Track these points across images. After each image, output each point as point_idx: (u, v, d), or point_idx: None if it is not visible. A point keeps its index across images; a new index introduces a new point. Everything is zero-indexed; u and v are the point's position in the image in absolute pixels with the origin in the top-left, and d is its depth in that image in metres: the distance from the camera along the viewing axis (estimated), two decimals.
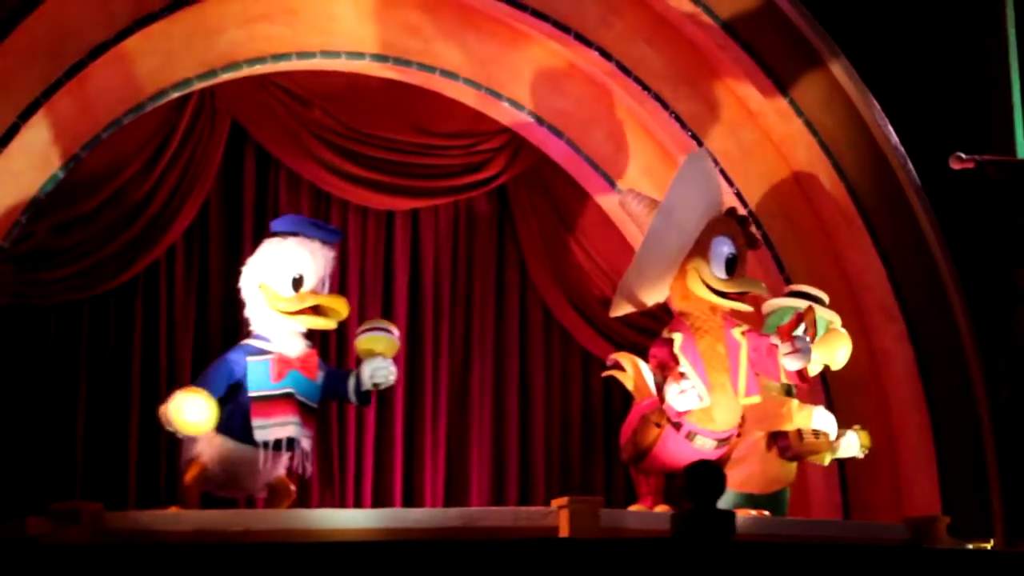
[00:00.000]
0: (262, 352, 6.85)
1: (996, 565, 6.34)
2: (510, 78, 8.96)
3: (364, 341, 6.91)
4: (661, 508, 7.00)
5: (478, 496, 9.01)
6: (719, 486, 5.38)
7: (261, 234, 8.19)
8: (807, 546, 5.86)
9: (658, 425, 7.16)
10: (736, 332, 7.32)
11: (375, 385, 6.95)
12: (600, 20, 8.66)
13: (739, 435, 7.33)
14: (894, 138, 8.95)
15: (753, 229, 7.47)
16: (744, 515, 7.01)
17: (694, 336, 7.20)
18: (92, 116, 7.74)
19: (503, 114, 9.09)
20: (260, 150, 8.73)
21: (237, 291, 7.28)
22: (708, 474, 5.38)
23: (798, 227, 9.16)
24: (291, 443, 6.74)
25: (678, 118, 8.89)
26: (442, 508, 6.35)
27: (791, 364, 7.20)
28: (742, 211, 8.27)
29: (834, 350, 7.74)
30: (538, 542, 5.46)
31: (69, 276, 7.95)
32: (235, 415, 6.71)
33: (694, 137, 8.90)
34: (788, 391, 7.73)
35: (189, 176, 8.33)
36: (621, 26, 8.70)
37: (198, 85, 8.10)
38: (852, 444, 7.74)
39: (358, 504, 8.66)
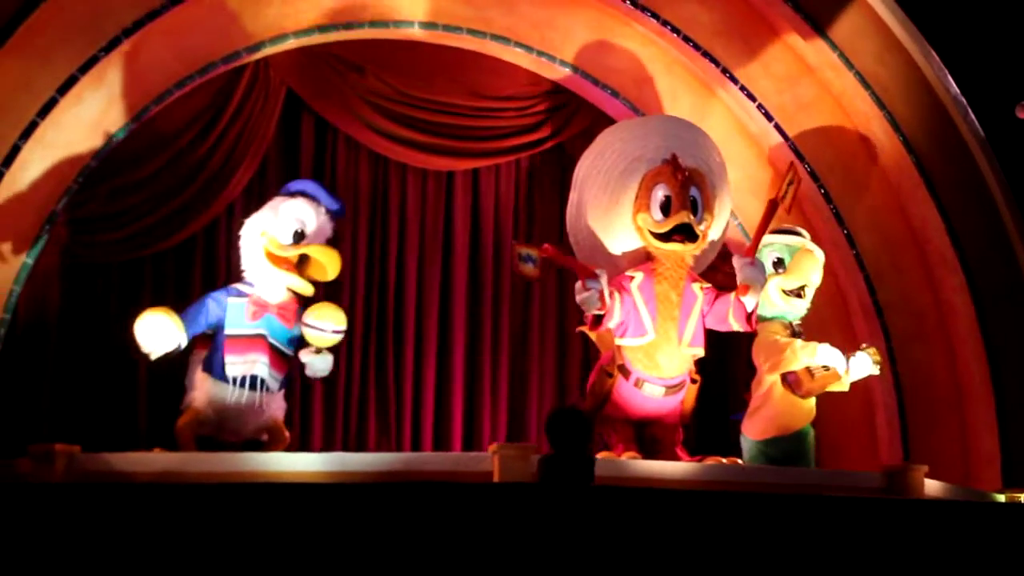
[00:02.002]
0: (242, 295, 7.13)
1: (960, 517, 6.33)
2: (564, 40, 8.94)
3: (306, 336, 7.18)
4: (628, 455, 7.05)
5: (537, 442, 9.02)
6: (582, 433, 5.46)
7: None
8: (661, 491, 5.88)
9: (610, 375, 7.31)
10: (696, 286, 7.39)
11: (313, 376, 7.33)
12: None
13: (695, 382, 7.43)
14: (954, 88, 8.68)
15: (682, 162, 7.29)
16: (714, 462, 7.06)
17: (653, 279, 7.28)
18: (142, 88, 7.94)
19: (558, 75, 9.08)
20: (317, 116, 8.83)
21: None
22: (570, 421, 5.46)
23: (859, 180, 9.02)
24: (258, 382, 7.00)
25: (730, 74, 8.84)
26: (385, 454, 6.49)
27: (748, 300, 7.20)
28: (796, 164, 8.16)
29: (806, 270, 7.77)
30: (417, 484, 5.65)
31: (126, 238, 8.17)
32: (217, 355, 7.03)
33: (744, 91, 8.85)
34: (794, 333, 7.70)
35: (242, 143, 8.48)
36: None
37: (246, 57, 8.26)
38: (864, 363, 7.61)
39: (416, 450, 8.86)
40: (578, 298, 7.03)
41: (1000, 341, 8.77)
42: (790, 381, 7.60)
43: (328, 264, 7.19)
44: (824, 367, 7.56)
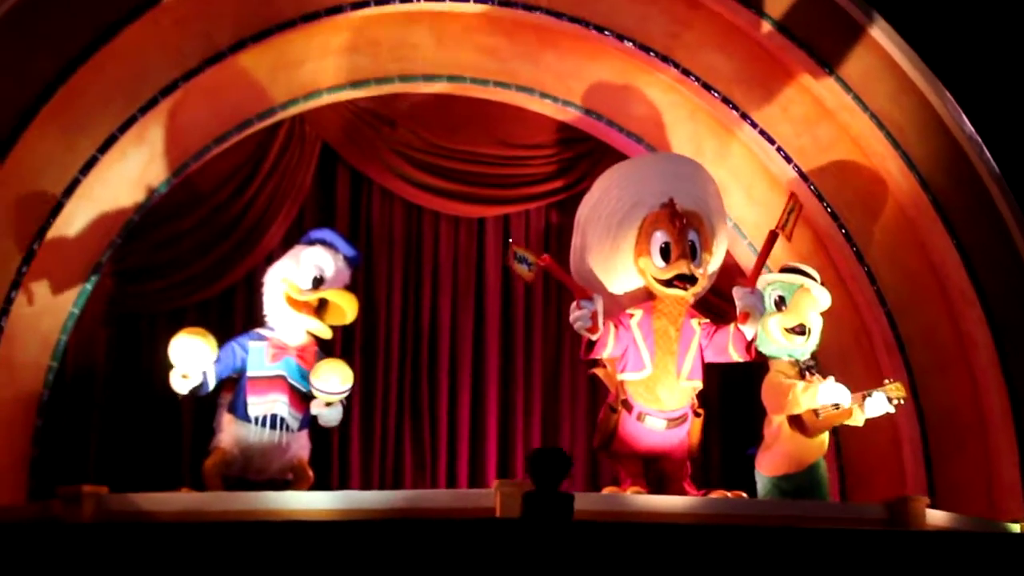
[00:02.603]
0: (263, 338, 7.45)
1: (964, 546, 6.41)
2: (588, 89, 9.24)
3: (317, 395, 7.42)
4: (633, 490, 7.23)
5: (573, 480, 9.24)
6: (561, 469, 5.63)
7: (355, 244, 8.84)
8: (643, 526, 6.08)
9: (614, 410, 7.56)
10: (694, 321, 7.62)
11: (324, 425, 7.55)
12: (667, 32, 8.83)
13: (698, 415, 7.65)
14: (969, 127, 8.80)
15: (679, 208, 7.53)
16: (719, 496, 7.25)
17: (652, 316, 7.52)
18: (182, 145, 8.32)
19: (582, 123, 9.36)
20: (352, 168, 9.17)
21: None
22: (550, 459, 5.66)
23: (879, 217, 9.15)
24: (279, 420, 7.29)
25: (750, 119, 9.07)
26: (392, 491, 6.75)
27: (747, 330, 7.41)
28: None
29: (803, 309, 7.94)
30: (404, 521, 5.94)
31: (169, 287, 8.52)
32: (240, 396, 7.34)
33: (764, 135, 9.06)
34: (802, 370, 7.87)
35: (280, 195, 8.84)
36: (689, 36, 8.84)
37: (281, 114, 8.62)
38: (879, 403, 7.76)
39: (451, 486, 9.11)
40: (572, 317, 7.28)
41: (1020, 372, 8.84)
42: (797, 425, 7.76)
43: (346, 307, 7.49)
44: (834, 405, 7.70)
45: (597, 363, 7.63)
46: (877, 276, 9.17)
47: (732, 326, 7.45)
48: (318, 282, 7.51)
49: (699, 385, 7.60)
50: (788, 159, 9.12)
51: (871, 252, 9.18)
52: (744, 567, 5.89)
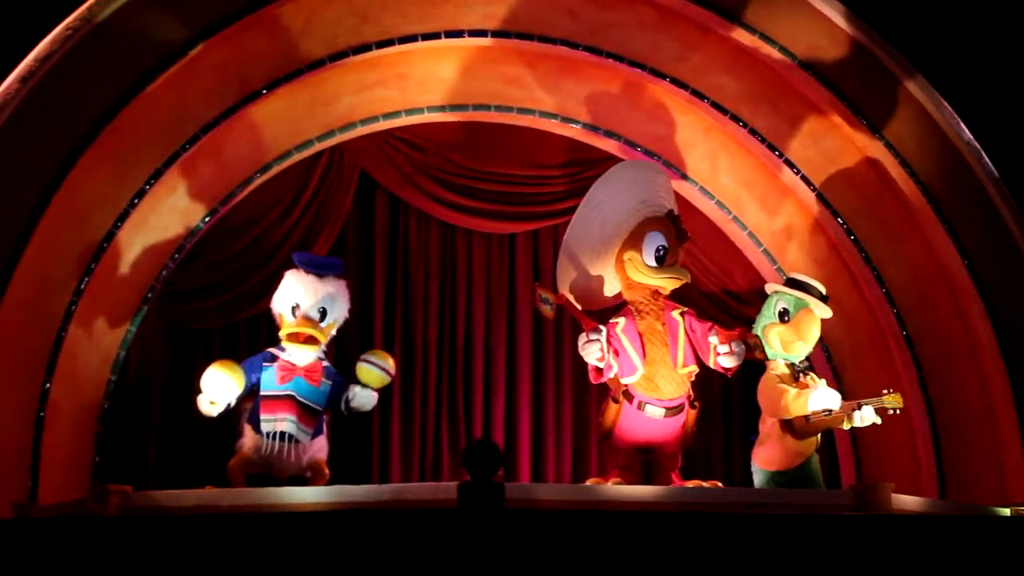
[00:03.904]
0: (274, 359, 7.97)
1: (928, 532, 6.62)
2: (607, 112, 9.67)
3: (360, 371, 7.91)
4: (613, 480, 7.71)
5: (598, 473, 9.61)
6: (493, 462, 5.99)
7: (394, 263, 9.58)
8: (577, 513, 6.38)
9: (615, 401, 7.99)
10: (675, 313, 8.11)
11: (356, 408, 7.98)
12: (676, 56, 9.25)
13: (694, 407, 8.11)
14: (966, 134, 9.10)
15: (680, 222, 8.12)
16: (695, 485, 7.65)
17: (635, 318, 7.98)
18: (227, 176, 8.97)
19: (603, 144, 9.81)
20: (388, 192, 9.78)
21: (371, 307, 9.26)
22: (484, 451, 6.03)
23: (886, 223, 9.45)
24: (287, 436, 7.81)
25: (757, 134, 9.44)
26: (380, 485, 7.25)
27: (724, 361, 7.89)
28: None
29: (803, 329, 8.21)
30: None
31: (220, 305, 9.15)
32: (255, 412, 7.88)
33: (772, 148, 9.44)
34: (796, 372, 8.20)
35: (321, 218, 9.43)
36: (697, 60, 9.26)
37: (318, 145, 9.22)
38: (867, 415, 7.99)
39: None
40: (581, 345, 7.82)
41: (1022, 363, 9.10)
42: (788, 429, 8.08)
43: (321, 336, 8.05)
44: (825, 411, 7.98)
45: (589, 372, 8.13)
46: (885, 277, 9.47)
47: (713, 347, 7.92)
48: (295, 309, 7.98)
49: (695, 369, 8.05)
50: (796, 170, 9.50)
51: (879, 255, 9.50)
52: (708, 554, 6.15)
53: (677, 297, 9.19)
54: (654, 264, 8.03)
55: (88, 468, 8.48)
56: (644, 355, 7.93)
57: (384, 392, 8.89)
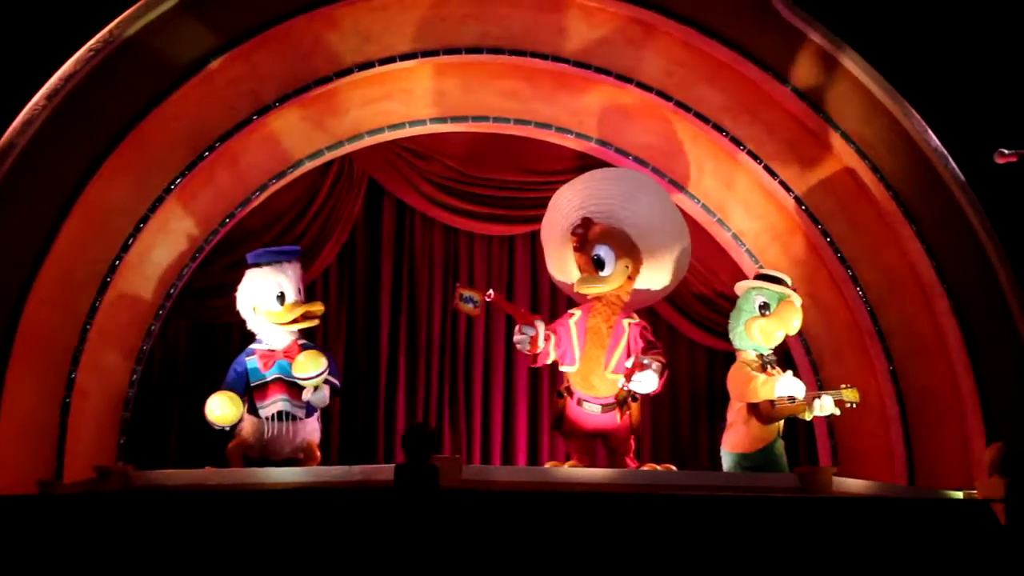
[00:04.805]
0: (253, 352, 8.61)
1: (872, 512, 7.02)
2: (599, 122, 10.13)
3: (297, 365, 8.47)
4: (570, 464, 8.28)
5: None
6: (427, 446, 6.49)
7: (400, 264, 10.14)
8: (509, 493, 6.83)
9: (560, 396, 8.53)
10: (626, 321, 8.53)
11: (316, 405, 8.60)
12: (662, 70, 9.71)
13: (636, 400, 8.51)
14: (934, 141, 9.55)
15: (591, 227, 8.62)
16: (649, 468, 8.16)
17: (588, 315, 8.50)
18: (244, 184, 9.57)
19: (596, 151, 10.27)
20: (395, 197, 10.38)
21: (378, 306, 9.87)
22: (419, 435, 6.52)
23: (858, 223, 9.89)
24: (284, 415, 8.44)
25: (737, 142, 9.88)
26: (352, 466, 7.79)
27: (634, 386, 8.31)
28: None
29: (787, 319, 8.67)
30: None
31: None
32: (252, 402, 8.50)
33: (752, 156, 9.89)
34: (764, 363, 8.66)
35: (332, 221, 10.03)
36: (682, 73, 9.71)
37: (328, 155, 9.78)
38: (826, 405, 8.44)
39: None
40: (514, 339, 8.42)
41: (987, 358, 9.55)
42: (754, 412, 8.55)
43: (317, 309, 8.67)
44: (790, 398, 8.45)
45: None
46: (859, 276, 9.92)
47: (634, 365, 8.38)
48: (281, 297, 8.59)
49: (620, 379, 8.44)
50: (775, 176, 9.96)
51: (853, 254, 9.95)
52: (655, 534, 6.55)
53: (671, 298, 9.86)
54: (578, 275, 8.65)
55: (114, 451, 9.11)
56: (583, 352, 8.45)
57: (390, 386, 9.75)
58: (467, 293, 8.57)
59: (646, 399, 8.78)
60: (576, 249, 8.59)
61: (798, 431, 10.45)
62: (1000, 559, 6.80)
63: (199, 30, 8.82)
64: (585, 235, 8.56)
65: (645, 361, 8.30)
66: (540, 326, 8.39)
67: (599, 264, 8.51)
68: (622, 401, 8.52)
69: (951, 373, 9.75)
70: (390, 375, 10.26)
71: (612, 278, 8.51)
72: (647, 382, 8.26)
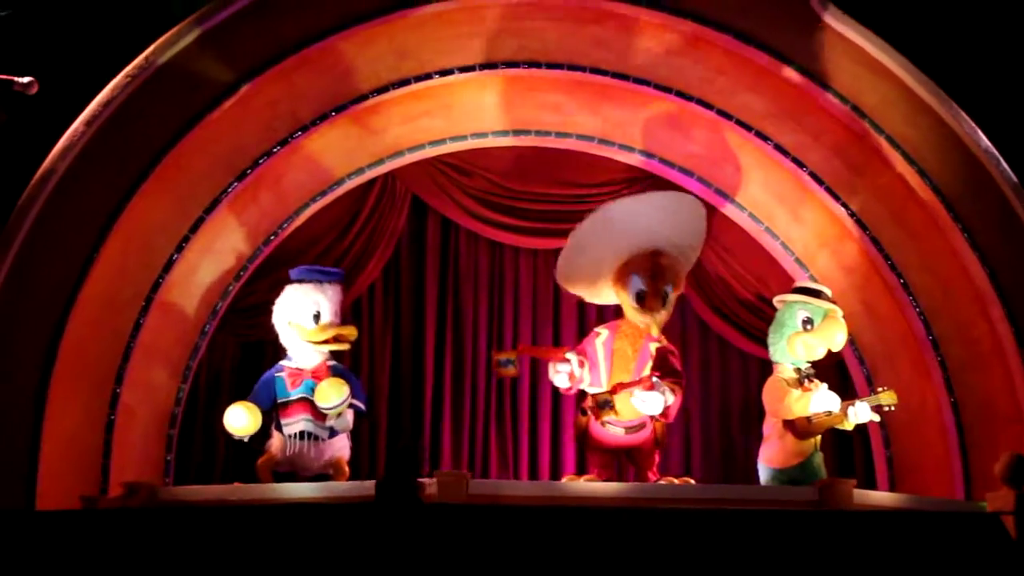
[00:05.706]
0: (282, 369, 8.56)
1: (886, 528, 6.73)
2: (643, 133, 10.06)
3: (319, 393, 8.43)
4: (587, 478, 8.19)
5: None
6: (410, 464, 6.45)
7: (445, 279, 10.11)
8: (487, 507, 6.77)
9: (584, 413, 8.40)
10: (652, 345, 8.38)
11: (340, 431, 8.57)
12: (702, 79, 9.58)
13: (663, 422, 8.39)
14: (984, 142, 9.32)
15: (663, 261, 8.42)
16: (667, 482, 8.01)
17: (615, 336, 8.35)
18: (286, 203, 9.66)
19: (640, 163, 10.19)
20: (440, 214, 10.35)
21: (423, 321, 9.82)
22: (400, 455, 6.51)
23: (911, 229, 9.66)
24: (307, 434, 8.38)
25: (782, 149, 9.73)
26: (360, 482, 7.74)
27: (635, 402, 8.10)
28: None
29: (831, 335, 8.48)
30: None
31: None
32: (277, 419, 8.47)
33: (797, 163, 9.75)
34: (802, 377, 8.49)
35: (375, 240, 10.04)
36: (722, 81, 9.58)
37: (369, 173, 9.84)
38: (862, 412, 8.29)
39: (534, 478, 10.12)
40: (551, 376, 8.31)
41: None
42: (790, 428, 8.42)
43: (350, 334, 8.63)
44: (826, 412, 8.31)
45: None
46: (911, 282, 9.69)
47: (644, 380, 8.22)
48: (316, 317, 8.56)
49: None
50: (821, 182, 9.78)
51: (904, 261, 9.71)
52: (670, 549, 6.34)
53: (714, 302, 9.72)
54: (635, 305, 8.42)
55: (161, 467, 9.21)
56: (609, 375, 8.35)
57: (436, 402, 9.69)
58: (503, 357, 8.47)
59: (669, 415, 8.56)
60: (643, 275, 8.42)
61: (854, 444, 10.24)
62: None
63: (233, 52, 8.90)
64: (658, 266, 8.42)
65: (655, 380, 8.15)
66: (573, 359, 8.28)
67: (663, 297, 8.40)
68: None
69: (1008, 381, 9.46)
70: (436, 391, 10.23)
71: (668, 312, 8.50)
72: (650, 403, 8.09)
